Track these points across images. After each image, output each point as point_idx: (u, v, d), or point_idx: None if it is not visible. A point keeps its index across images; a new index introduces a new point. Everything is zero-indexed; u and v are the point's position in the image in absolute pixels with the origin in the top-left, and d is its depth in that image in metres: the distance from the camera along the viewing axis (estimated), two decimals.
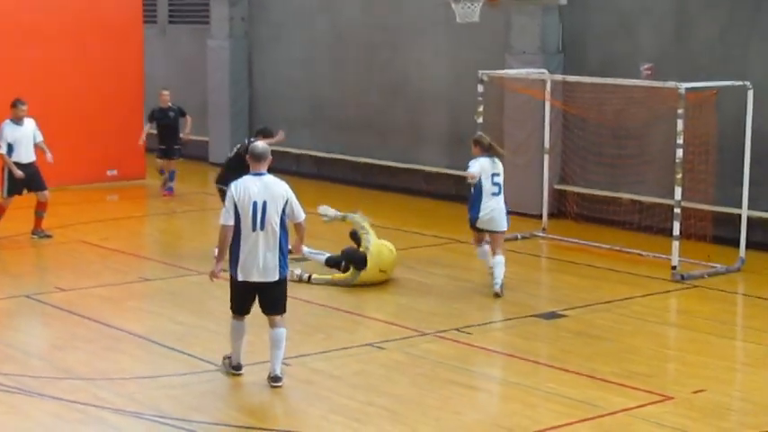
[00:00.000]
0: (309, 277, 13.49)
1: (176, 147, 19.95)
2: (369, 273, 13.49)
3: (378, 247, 13.62)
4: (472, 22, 15.95)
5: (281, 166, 21.01)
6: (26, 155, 16.02)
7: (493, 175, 13.26)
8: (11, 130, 15.89)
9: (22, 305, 12.78)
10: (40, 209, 16.20)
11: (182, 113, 20.01)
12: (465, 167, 18.62)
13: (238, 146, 15.20)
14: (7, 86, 19.44)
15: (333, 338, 11.49)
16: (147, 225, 18.51)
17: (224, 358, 10.21)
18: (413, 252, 15.62)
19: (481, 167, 13.24)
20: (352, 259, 13.61)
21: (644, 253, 15.24)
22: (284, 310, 9.99)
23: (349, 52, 21.71)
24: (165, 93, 19.96)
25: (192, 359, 10.70)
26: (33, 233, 16.20)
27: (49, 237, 16.19)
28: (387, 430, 8.96)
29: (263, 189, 9.77)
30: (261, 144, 10.22)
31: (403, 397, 9.73)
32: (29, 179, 16.00)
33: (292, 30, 22.83)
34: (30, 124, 16.10)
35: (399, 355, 10.90)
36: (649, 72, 16.53)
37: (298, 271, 13.44)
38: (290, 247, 10.07)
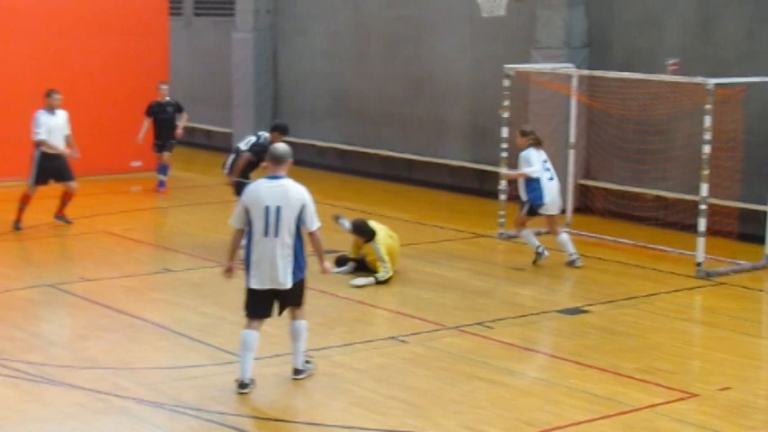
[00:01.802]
0: (377, 280, 13.32)
1: (171, 141, 19.83)
2: (385, 243, 13.50)
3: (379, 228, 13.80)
4: (497, 16, 15.90)
5: (304, 158, 21.05)
6: (57, 145, 16.15)
7: (544, 161, 14.32)
8: (45, 119, 16.03)
9: (46, 295, 12.82)
10: (66, 198, 16.39)
11: (179, 109, 19.80)
12: (488, 161, 18.67)
13: (253, 138, 15.04)
14: (34, 78, 19.59)
15: (355, 332, 11.48)
16: (170, 216, 18.54)
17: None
18: (435, 246, 15.60)
19: (535, 158, 14.30)
20: (360, 231, 13.61)
21: (668, 249, 15.17)
22: (300, 304, 9.72)
23: (373, 45, 21.70)
24: (164, 87, 19.77)
25: (214, 350, 10.71)
26: (56, 216, 16.42)
27: (69, 223, 16.34)
28: (408, 423, 8.94)
29: (279, 194, 9.43)
30: (282, 146, 9.77)
31: (425, 391, 9.71)
32: (57, 169, 16.13)
33: (317, 22, 22.84)
34: (62, 115, 16.26)
35: (421, 349, 10.88)
36: (675, 68, 16.45)
37: (360, 281, 13.29)
38: (324, 268, 9.82)
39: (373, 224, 13.77)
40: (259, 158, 14.36)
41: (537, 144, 14.46)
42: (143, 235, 16.32)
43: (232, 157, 15.16)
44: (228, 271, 9.80)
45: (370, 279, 13.28)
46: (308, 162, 21.44)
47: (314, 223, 9.59)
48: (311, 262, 9.81)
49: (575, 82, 16.49)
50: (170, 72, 21.84)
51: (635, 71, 16.05)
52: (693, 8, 16.85)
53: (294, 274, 9.53)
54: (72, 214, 16.51)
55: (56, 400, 9.37)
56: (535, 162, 14.27)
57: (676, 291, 13.40)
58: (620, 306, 12.65)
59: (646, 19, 17.43)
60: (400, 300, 12.94)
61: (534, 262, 14.50)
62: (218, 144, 24.53)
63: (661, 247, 15.27)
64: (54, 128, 16.10)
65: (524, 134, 14.51)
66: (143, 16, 21.42)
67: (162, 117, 19.63)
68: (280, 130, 14.86)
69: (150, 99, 19.68)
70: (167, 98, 19.75)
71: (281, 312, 9.75)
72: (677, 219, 16.29)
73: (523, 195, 14.46)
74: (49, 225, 16.36)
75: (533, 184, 14.26)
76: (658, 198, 16.95)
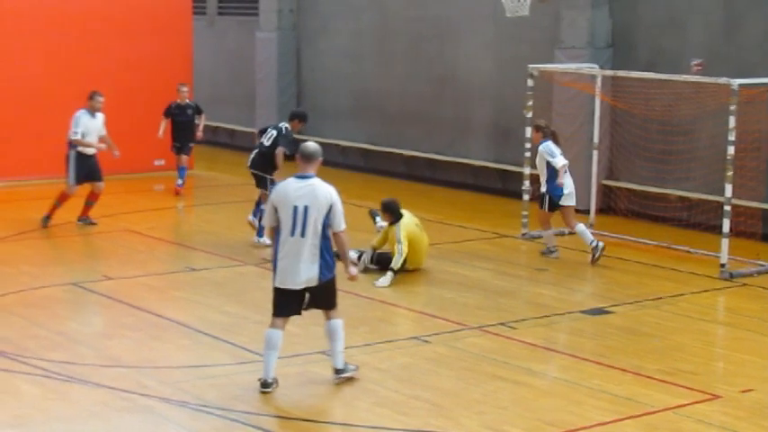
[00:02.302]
0: (393, 271, 13.36)
1: (190, 144, 19.76)
2: (408, 228, 13.58)
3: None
4: (521, 16, 15.88)
5: (328, 157, 21.05)
6: (92, 142, 16.24)
7: (561, 155, 14.57)
8: (86, 120, 16.12)
9: (70, 293, 12.88)
10: (92, 199, 16.44)
11: (198, 111, 19.70)
12: (511, 161, 18.66)
13: (274, 132, 15.00)
14: (59, 78, 19.69)
15: (378, 331, 11.49)
16: (193, 215, 18.60)
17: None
18: (458, 246, 15.59)
19: (556, 149, 14.57)
20: (389, 209, 13.69)
21: (692, 250, 15.12)
22: (333, 306, 9.75)
23: (396, 45, 21.70)
24: (185, 89, 19.60)
25: (237, 349, 10.74)
26: (79, 219, 16.46)
27: (93, 224, 16.40)
28: (431, 423, 8.94)
29: (307, 193, 9.41)
30: (312, 144, 9.69)
31: (447, 391, 9.71)
32: (90, 169, 16.25)
33: (340, 22, 22.85)
34: (100, 118, 16.35)
35: (444, 349, 10.88)
36: (699, 68, 16.40)
37: (383, 281, 13.28)
38: (350, 273, 9.79)
39: (403, 210, 13.82)
40: (291, 151, 14.36)
41: (553, 137, 14.69)
42: (166, 234, 16.37)
43: (255, 152, 15.21)
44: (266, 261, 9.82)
45: (390, 275, 13.28)
46: (331, 162, 21.40)
47: (341, 224, 9.55)
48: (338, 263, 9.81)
49: (598, 82, 16.44)
50: (193, 71, 21.90)
51: (659, 71, 16.00)
52: (717, 9, 16.78)
53: (322, 273, 9.51)
54: (95, 213, 16.55)
55: (80, 399, 9.42)
56: (557, 153, 14.45)
57: (700, 292, 13.35)
58: (644, 307, 12.61)
59: (670, 19, 17.37)
60: (423, 299, 12.94)
61: (542, 253, 14.97)
62: (241, 143, 24.57)
63: (684, 248, 15.22)
64: (92, 129, 16.20)
65: (539, 129, 14.81)
66: (167, 16, 21.49)
67: (181, 119, 19.52)
68: (300, 118, 14.89)
69: (173, 99, 19.69)
70: (187, 100, 19.65)
71: (308, 307, 9.68)
72: (701, 219, 16.23)
73: (543, 186, 14.65)
74: (72, 224, 16.42)
75: (554, 178, 14.46)
76: (682, 199, 16.89)
